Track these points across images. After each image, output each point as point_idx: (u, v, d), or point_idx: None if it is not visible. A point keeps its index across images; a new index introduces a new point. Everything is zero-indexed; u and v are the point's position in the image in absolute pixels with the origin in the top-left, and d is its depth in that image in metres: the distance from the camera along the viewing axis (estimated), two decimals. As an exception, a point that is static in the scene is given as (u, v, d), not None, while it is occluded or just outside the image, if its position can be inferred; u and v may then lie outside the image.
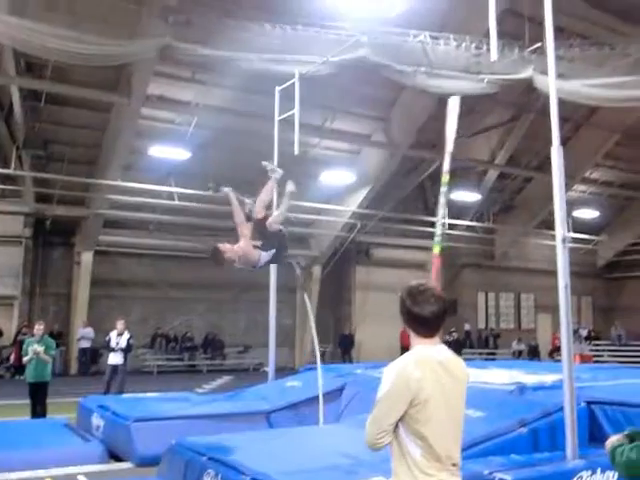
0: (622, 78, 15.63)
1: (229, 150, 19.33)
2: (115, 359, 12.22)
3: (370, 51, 14.64)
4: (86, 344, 19.85)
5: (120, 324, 12.43)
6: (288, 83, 9.36)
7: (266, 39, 14.14)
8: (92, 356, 19.95)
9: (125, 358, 12.24)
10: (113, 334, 12.36)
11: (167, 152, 19.00)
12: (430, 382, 2.55)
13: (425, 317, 2.63)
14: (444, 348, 2.73)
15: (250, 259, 6.28)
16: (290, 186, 6.70)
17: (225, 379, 17.87)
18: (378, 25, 14.92)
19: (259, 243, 6.40)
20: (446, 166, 7.06)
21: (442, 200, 7.16)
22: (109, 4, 13.67)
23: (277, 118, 9.48)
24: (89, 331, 19.83)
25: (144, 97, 16.56)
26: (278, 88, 9.64)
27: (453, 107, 7.10)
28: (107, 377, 12.21)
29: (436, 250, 7.05)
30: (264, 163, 6.82)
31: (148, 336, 21.88)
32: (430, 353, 2.64)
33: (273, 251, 6.37)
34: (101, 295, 20.64)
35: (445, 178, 7.10)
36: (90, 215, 19.75)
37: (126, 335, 12.29)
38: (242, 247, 6.18)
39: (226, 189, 6.50)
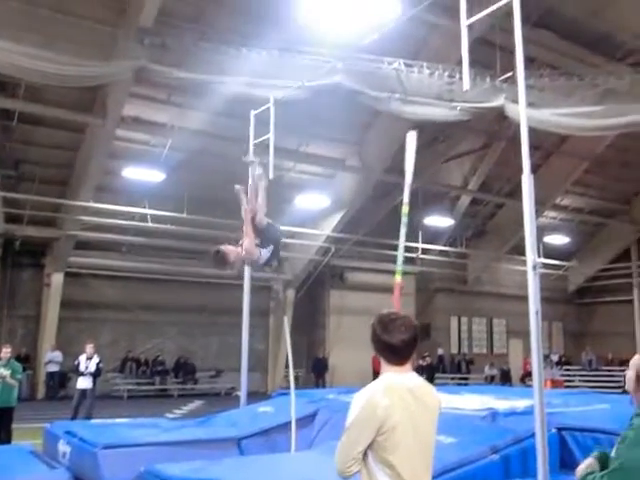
0: (591, 108, 16.03)
1: (204, 172, 19.32)
2: (84, 383, 12.00)
3: (345, 77, 14.81)
4: (54, 368, 19.44)
5: (89, 347, 12.24)
6: (263, 107, 9.39)
7: (242, 63, 14.23)
8: (60, 380, 19.55)
9: (94, 382, 12.02)
10: (82, 358, 12.15)
11: (141, 174, 18.89)
12: (398, 410, 2.54)
13: (395, 345, 2.64)
14: (414, 375, 2.74)
15: (253, 258, 6.35)
16: (258, 170, 6.73)
17: (196, 404, 17.65)
18: (353, 52, 15.11)
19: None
20: (405, 198, 7.15)
21: (403, 230, 7.22)
22: (85, 25, 13.65)
23: (252, 142, 9.49)
24: (57, 354, 19.44)
25: (119, 118, 16.51)
26: (253, 112, 9.67)
27: (411, 141, 7.22)
28: (75, 402, 11.97)
29: (398, 277, 7.09)
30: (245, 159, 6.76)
31: (118, 359, 21.53)
32: (400, 380, 2.64)
33: (271, 247, 6.41)
34: (71, 317, 20.29)
35: (405, 209, 7.18)
36: (61, 236, 19.50)
37: (95, 359, 12.09)
38: (245, 246, 6.21)
39: (237, 186, 6.58)
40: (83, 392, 11.95)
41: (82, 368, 12.01)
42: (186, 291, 22.42)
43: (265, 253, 6.37)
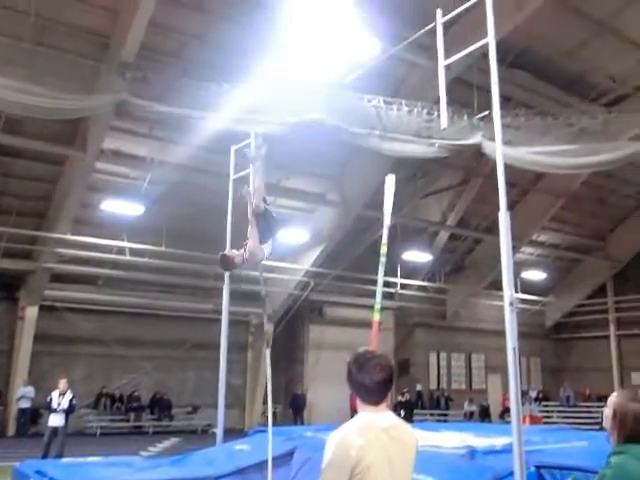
0: (565, 146, 16.37)
1: (183, 205, 19.29)
2: (56, 420, 11.72)
3: (326, 114, 14.98)
4: (26, 404, 18.95)
5: (62, 383, 11.98)
6: (244, 143, 9.43)
7: (223, 98, 14.34)
8: (32, 416, 19.06)
9: (66, 419, 11.74)
10: (55, 394, 11.88)
11: (120, 207, 18.79)
12: (373, 449, 2.52)
13: (370, 385, 2.63)
14: (390, 415, 2.72)
15: (257, 258, 6.39)
16: (255, 151, 6.78)
17: (172, 441, 17.28)
18: (334, 89, 15.33)
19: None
20: (384, 239, 7.21)
21: (381, 270, 7.27)
22: (68, 59, 13.71)
23: (232, 177, 9.51)
24: (29, 390, 18.97)
25: (99, 151, 16.49)
26: (234, 147, 9.71)
27: (389, 185, 7.34)
28: (46, 440, 11.68)
29: (376, 317, 7.11)
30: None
31: (93, 395, 21.10)
32: (375, 420, 2.62)
33: (270, 242, 6.45)
34: (44, 352, 19.89)
35: (384, 249, 7.25)
36: (37, 269, 19.24)
37: (68, 395, 11.83)
38: (250, 248, 6.26)
39: (246, 187, 6.64)
40: (55, 429, 11.66)
41: (54, 405, 11.73)
42: (163, 325, 22.17)
43: (266, 248, 6.42)
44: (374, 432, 2.57)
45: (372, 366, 2.64)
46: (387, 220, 7.26)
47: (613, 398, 2.62)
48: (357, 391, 2.68)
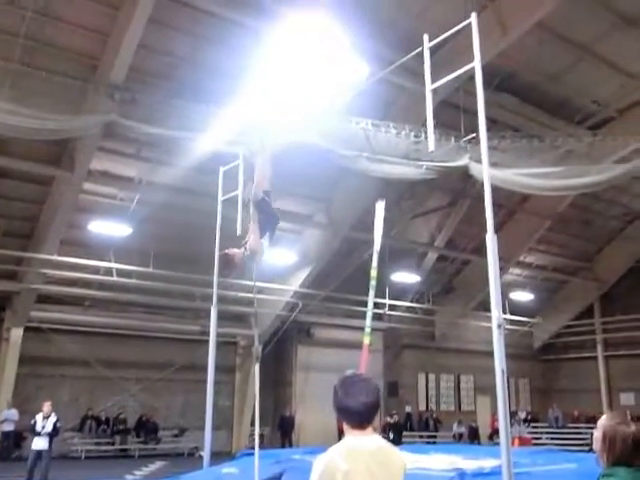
0: (551, 169, 16.54)
1: (171, 226, 19.25)
2: (40, 444, 11.54)
3: (314, 136, 15.06)
4: (9, 427, 18.62)
5: (46, 406, 11.83)
6: (232, 164, 9.47)
7: (213, 119, 14.39)
8: (15, 440, 18.73)
9: (51, 443, 11.57)
10: (39, 417, 11.72)
11: (108, 227, 18.69)
12: (359, 474, 2.51)
13: (356, 410, 2.63)
14: (377, 438, 2.72)
15: (258, 253, 6.38)
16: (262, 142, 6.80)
17: (158, 465, 17.07)
18: (322, 111, 15.43)
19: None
20: (374, 262, 7.24)
21: (371, 293, 7.30)
22: (56, 80, 13.72)
23: (220, 198, 9.52)
24: (13, 413, 18.66)
25: (87, 172, 16.45)
26: (222, 169, 9.74)
27: (379, 210, 7.40)
28: (30, 463, 11.50)
29: (366, 340, 7.12)
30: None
31: (78, 418, 20.80)
32: (361, 444, 2.62)
33: (267, 234, 6.43)
34: (29, 374, 19.63)
35: (374, 273, 7.26)
36: (22, 290, 19.05)
37: (53, 418, 11.67)
38: (250, 244, 6.26)
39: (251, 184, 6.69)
40: (39, 453, 11.48)
41: (38, 428, 11.57)
42: (150, 347, 21.99)
43: (266, 239, 6.40)
44: (360, 456, 2.56)
45: (358, 390, 2.63)
46: (377, 245, 7.27)
47: (602, 421, 2.63)
48: (343, 415, 2.67)
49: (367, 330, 7.16)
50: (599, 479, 2.51)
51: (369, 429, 2.69)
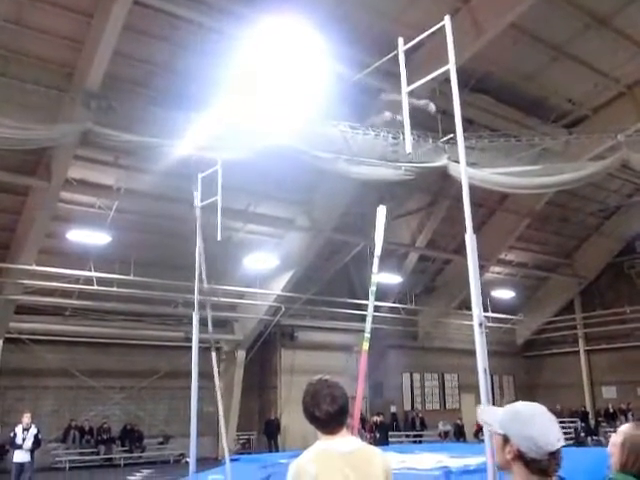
0: (528, 167, 16.73)
1: (151, 233, 19.15)
2: (21, 456, 11.42)
3: (292, 139, 15.07)
4: (-10, 440, 18.41)
5: (26, 417, 11.72)
6: (211, 170, 9.42)
7: (190, 126, 14.34)
8: (-3, 453, 18.51)
9: (32, 454, 11.44)
10: (19, 429, 11.60)
11: (86, 236, 18.52)
12: (328, 476, 2.52)
13: (322, 417, 2.64)
14: (352, 440, 2.72)
15: None
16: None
17: (144, 473, 16.94)
18: (300, 115, 15.45)
19: None
20: (375, 268, 7.22)
21: (372, 298, 7.27)
22: (31, 89, 13.58)
23: (199, 205, 9.43)
24: (-6, 426, 18.46)
25: (64, 181, 16.29)
26: (200, 175, 9.66)
27: (381, 216, 7.37)
28: (14, 476, 11.35)
29: (365, 346, 7.08)
30: None
31: (61, 428, 20.58)
32: (332, 446, 2.62)
33: None
34: (10, 386, 19.42)
35: (374, 278, 7.25)
36: (1, 300, 18.81)
37: (33, 429, 11.56)
38: None
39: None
40: (21, 465, 11.35)
41: (19, 440, 11.44)
42: (132, 355, 21.82)
43: None
44: (330, 459, 2.58)
45: (323, 397, 2.63)
46: (378, 250, 7.25)
47: (625, 428, 2.67)
48: (311, 422, 2.69)
49: (367, 336, 7.11)
50: None
51: (342, 432, 2.68)
